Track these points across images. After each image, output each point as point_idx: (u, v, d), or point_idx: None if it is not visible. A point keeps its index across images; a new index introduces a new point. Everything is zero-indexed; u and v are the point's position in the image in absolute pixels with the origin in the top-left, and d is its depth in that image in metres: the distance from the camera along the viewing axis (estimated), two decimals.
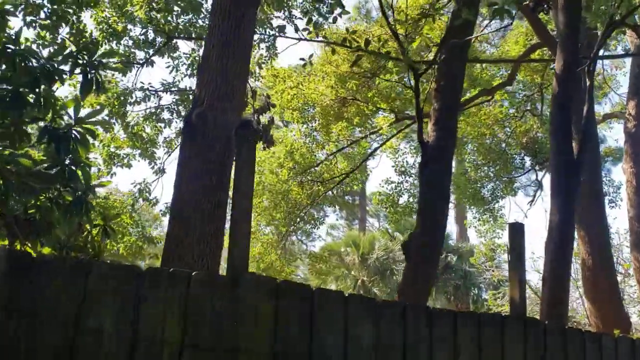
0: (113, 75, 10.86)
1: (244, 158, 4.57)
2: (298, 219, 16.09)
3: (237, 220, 4.35)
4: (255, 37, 12.42)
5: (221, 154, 5.08)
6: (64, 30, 6.85)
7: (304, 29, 15.38)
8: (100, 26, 9.92)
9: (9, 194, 6.71)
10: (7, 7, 7.09)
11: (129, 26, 10.39)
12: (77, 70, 6.39)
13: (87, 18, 9.61)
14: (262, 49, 12.51)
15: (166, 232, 5.26)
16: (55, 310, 2.46)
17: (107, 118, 10.82)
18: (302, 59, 17.69)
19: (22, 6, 6.90)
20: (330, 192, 18.22)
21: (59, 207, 7.01)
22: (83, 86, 6.23)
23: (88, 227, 7.18)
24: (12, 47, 6.29)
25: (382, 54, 8.97)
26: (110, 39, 10.00)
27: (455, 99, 8.40)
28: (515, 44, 16.27)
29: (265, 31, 12.31)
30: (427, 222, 7.41)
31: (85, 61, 6.26)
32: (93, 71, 6.33)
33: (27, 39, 6.26)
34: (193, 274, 3.53)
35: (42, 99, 6.38)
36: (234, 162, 4.91)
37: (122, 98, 11.02)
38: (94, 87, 6.43)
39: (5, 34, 6.63)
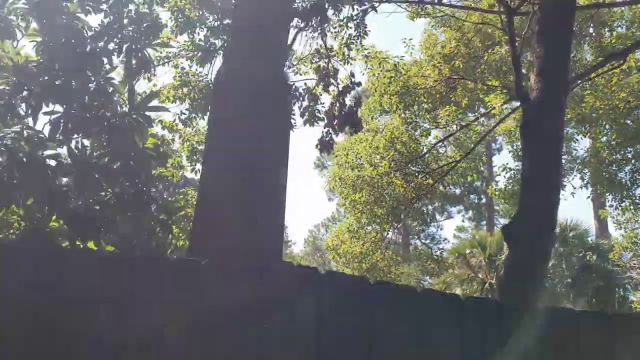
0: (191, 67, 10.66)
1: (275, 118, 3.88)
2: (403, 215, 15.11)
3: (268, 194, 3.66)
4: (343, 14, 11.73)
5: (253, 113, 4.42)
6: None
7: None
8: (175, 15, 9.72)
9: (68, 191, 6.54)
10: None
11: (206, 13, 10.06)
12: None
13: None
14: (350, 27, 11.75)
15: (193, 214, 4.70)
16: None
17: (185, 112, 10.63)
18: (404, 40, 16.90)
19: None
20: (451, 188, 17.04)
21: (122, 203, 6.75)
22: (127, 66, 5.87)
23: (152, 223, 6.87)
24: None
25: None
26: (185, 28, 9.77)
27: (563, 44, 7.12)
28: None
29: (353, 7, 11.55)
30: (534, 198, 6.27)
31: (131, 37, 5.90)
32: (139, 47, 5.97)
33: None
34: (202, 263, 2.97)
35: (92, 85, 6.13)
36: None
37: (204, 91, 10.78)
38: (141, 70, 6.09)
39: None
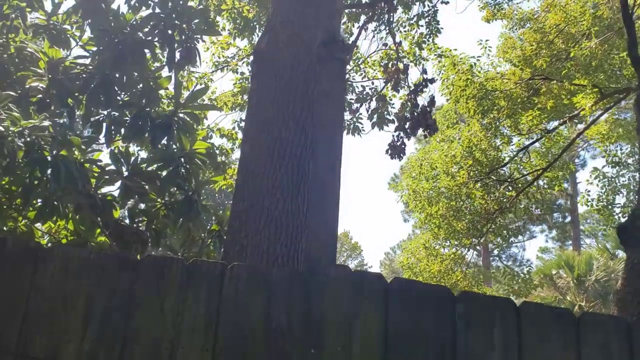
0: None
1: (327, 88, 3.06)
2: (485, 229, 13.92)
3: (318, 185, 2.85)
4: (413, 12, 10.97)
5: (300, 90, 3.68)
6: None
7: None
8: (232, 17, 9.24)
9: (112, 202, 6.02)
10: None
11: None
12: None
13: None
14: (422, 25, 10.95)
15: (230, 209, 3.97)
16: None
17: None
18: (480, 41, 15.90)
19: None
20: (533, 208, 15.75)
21: (172, 212, 6.17)
22: (170, 57, 5.28)
23: (202, 235, 6.24)
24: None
25: None
26: (244, 31, 9.25)
27: None
28: None
29: (424, 4, 10.75)
30: None
31: (174, 25, 5.32)
32: (184, 38, 5.38)
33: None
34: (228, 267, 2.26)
35: (133, 79, 5.60)
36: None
37: None
38: (186, 60, 5.48)
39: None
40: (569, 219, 35.56)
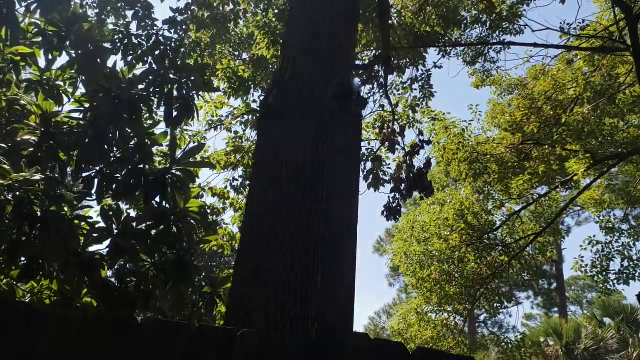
0: (245, 131, 10.09)
1: (342, 143, 2.95)
2: (478, 294, 13.68)
3: (333, 245, 2.70)
4: (406, 76, 11.11)
5: (311, 144, 3.58)
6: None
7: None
8: (228, 76, 9.25)
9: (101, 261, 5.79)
10: (105, 45, 6.54)
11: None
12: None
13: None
14: (415, 89, 11.07)
15: (233, 271, 3.78)
16: None
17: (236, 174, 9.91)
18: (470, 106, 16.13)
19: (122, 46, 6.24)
20: (519, 275, 15.64)
21: (163, 273, 5.95)
22: (168, 113, 5.19)
23: (193, 297, 6.00)
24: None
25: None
26: (238, 90, 9.26)
27: None
28: None
29: (418, 68, 10.91)
30: None
31: (172, 79, 5.26)
32: (183, 92, 5.31)
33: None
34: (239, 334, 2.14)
35: (126, 135, 5.48)
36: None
37: None
38: (184, 116, 5.39)
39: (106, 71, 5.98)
40: (554, 285, 35.55)
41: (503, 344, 15.36)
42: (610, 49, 11.45)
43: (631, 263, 13.40)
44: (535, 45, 11.78)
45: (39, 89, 5.86)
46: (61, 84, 6.65)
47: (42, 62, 6.75)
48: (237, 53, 10.32)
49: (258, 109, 9.75)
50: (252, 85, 9.51)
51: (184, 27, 7.43)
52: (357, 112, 2.75)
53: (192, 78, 5.18)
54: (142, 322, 2.13)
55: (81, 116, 5.77)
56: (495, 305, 14.20)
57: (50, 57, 6.56)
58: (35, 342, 1.95)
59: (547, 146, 13.41)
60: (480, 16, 11.68)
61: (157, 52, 5.89)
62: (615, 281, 13.37)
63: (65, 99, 6.52)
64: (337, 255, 2.56)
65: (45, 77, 6.45)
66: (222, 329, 2.06)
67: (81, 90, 6.46)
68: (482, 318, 34.15)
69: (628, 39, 10.34)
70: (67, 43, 6.43)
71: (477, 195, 13.76)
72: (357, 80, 8.15)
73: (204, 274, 5.97)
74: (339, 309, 2.44)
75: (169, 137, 5.44)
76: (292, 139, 3.75)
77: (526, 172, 14.07)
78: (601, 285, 13.46)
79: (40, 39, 6.57)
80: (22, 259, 5.36)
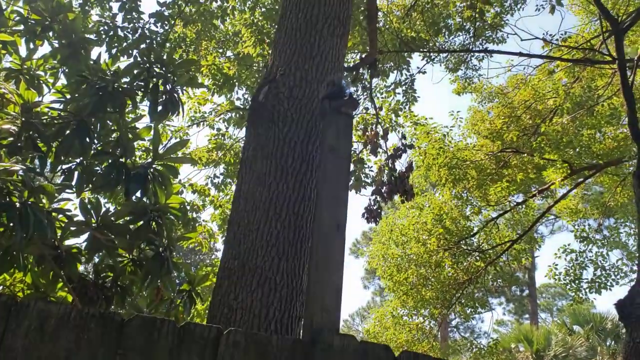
0: (228, 128, 10.01)
1: (333, 143, 2.94)
2: (454, 299, 13.76)
3: (322, 244, 2.68)
4: (390, 80, 11.14)
5: (300, 143, 3.55)
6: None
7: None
8: (212, 73, 9.18)
9: (78, 255, 5.69)
10: (89, 36, 6.43)
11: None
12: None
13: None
14: (399, 93, 11.11)
15: (218, 269, 3.74)
16: None
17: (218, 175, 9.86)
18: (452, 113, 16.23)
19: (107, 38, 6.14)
20: (494, 282, 15.79)
21: (141, 269, 5.86)
22: (153, 107, 5.12)
23: (171, 294, 5.92)
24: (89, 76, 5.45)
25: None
26: (223, 87, 9.18)
27: None
28: None
29: (402, 73, 10.95)
30: None
31: (158, 74, 5.19)
32: (169, 87, 5.25)
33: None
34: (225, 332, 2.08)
35: (108, 128, 5.40)
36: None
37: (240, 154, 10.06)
38: (168, 111, 5.32)
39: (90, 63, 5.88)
40: (526, 292, 36.00)
41: (475, 349, 15.48)
42: (593, 60, 11.61)
43: (603, 272, 13.62)
44: (520, 54, 11.90)
45: (20, 78, 5.74)
46: (42, 73, 6.52)
47: (22, 51, 6.63)
48: (221, 50, 10.25)
49: (242, 107, 9.69)
50: (237, 83, 9.44)
51: (171, 21, 7.35)
52: (349, 113, 2.73)
53: (178, 73, 5.12)
54: (128, 318, 2.08)
55: (62, 107, 5.67)
56: (469, 310, 14.29)
57: (31, 46, 6.44)
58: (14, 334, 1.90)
59: (525, 154, 13.55)
60: (464, 24, 11.77)
61: (142, 46, 5.80)
62: (587, 289, 13.57)
63: (46, 90, 6.41)
64: (325, 255, 2.55)
65: (25, 67, 6.33)
66: (207, 326, 2.03)
67: (62, 81, 6.36)
68: (454, 323, 34.43)
69: (609, 51, 10.51)
70: (50, 33, 6.32)
71: (456, 200, 13.85)
72: (348, 81, 8.16)
73: (182, 271, 5.89)
74: (325, 309, 2.42)
75: (152, 132, 5.37)
76: (281, 137, 3.72)
77: (504, 179, 14.21)
78: (573, 294, 13.65)
79: (22, 27, 6.45)
80: None
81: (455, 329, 35.97)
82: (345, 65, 8.49)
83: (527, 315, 36.20)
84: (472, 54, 13.59)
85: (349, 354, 2.19)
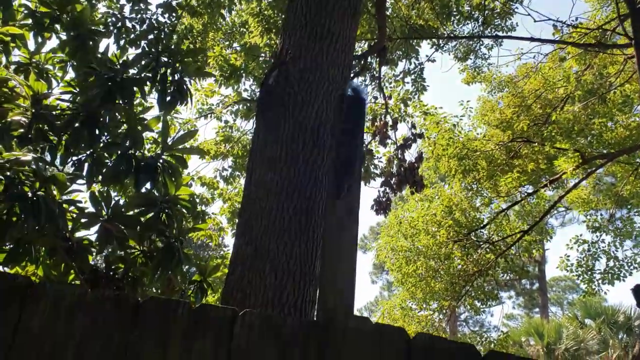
0: (236, 121, 10.02)
1: (349, 127, 2.94)
2: (464, 292, 13.75)
3: (335, 229, 2.70)
4: (399, 69, 11.11)
5: (312, 126, 3.55)
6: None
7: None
8: (219, 64, 9.19)
9: (89, 246, 5.73)
10: (97, 28, 6.46)
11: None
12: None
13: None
14: (408, 82, 11.07)
15: (230, 255, 3.75)
16: None
17: (228, 167, 9.88)
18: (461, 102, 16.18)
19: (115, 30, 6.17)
20: (505, 274, 15.73)
21: (152, 260, 5.90)
22: (162, 97, 5.14)
23: (182, 285, 5.95)
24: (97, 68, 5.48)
25: None
26: (230, 78, 9.19)
27: None
28: None
29: (411, 61, 10.91)
30: None
31: (166, 63, 5.21)
32: (177, 77, 5.26)
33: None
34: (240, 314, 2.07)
35: (117, 119, 5.43)
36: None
37: (249, 147, 10.08)
38: (177, 100, 5.34)
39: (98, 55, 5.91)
40: (536, 285, 35.84)
41: (485, 342, 15.45)
42: (606, 45, 11.52)
43: (616, 263, 13.55)
44: (531, 39, 11.81)
45: (30, 70, 5.78)
46: (50, 67, 6.56)
47: (31, 45, 6.66)
48: (227, 42, 10.25)
49: (249, 98, 9.70)
50: (244, 74, 9.45)
51: (179, 12, 7.38)
52: (361, 97, 2.74)
53: (186, 61, 5.13)
54: (143, 301, 2.11)
55: (71, 99, 5.71)
56: (479, 303, 14.25)
57: (40, 39, 6.47)
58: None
59: (536, 144, 13.49)
60: (473, 12, 11.71)
61: (150, 37, 5.82)
62: (600, 281, 13.50)
63: (55, 83, 6.45)
64: (338, 240, 2.56)
65: (34, 60, 6.36)
66: (223, 307, 2.05)
67: (70, 74, 6.39)
68: (463, 317, 34.39)
69: (627, 33, 10.40)
70: (58, 26, 6.35)
71: (466, 192, 13.81)
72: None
73: (193, 262, 5.93)
74: (339, 292, 2.44)
75: (160, 123, 5.39)
76: (292, 120, 3.72)
77: (515, 169, 14.14)
78: (585, 285, 13.58)
79: (30, 20, 6.48)
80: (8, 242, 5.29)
81: (464, 323, 35.94)
82: (354, 53, 8.47)
83: (537, 309, 36.13)
84: (481, 42, 13.54)
85: (364, 334, 2.21)
